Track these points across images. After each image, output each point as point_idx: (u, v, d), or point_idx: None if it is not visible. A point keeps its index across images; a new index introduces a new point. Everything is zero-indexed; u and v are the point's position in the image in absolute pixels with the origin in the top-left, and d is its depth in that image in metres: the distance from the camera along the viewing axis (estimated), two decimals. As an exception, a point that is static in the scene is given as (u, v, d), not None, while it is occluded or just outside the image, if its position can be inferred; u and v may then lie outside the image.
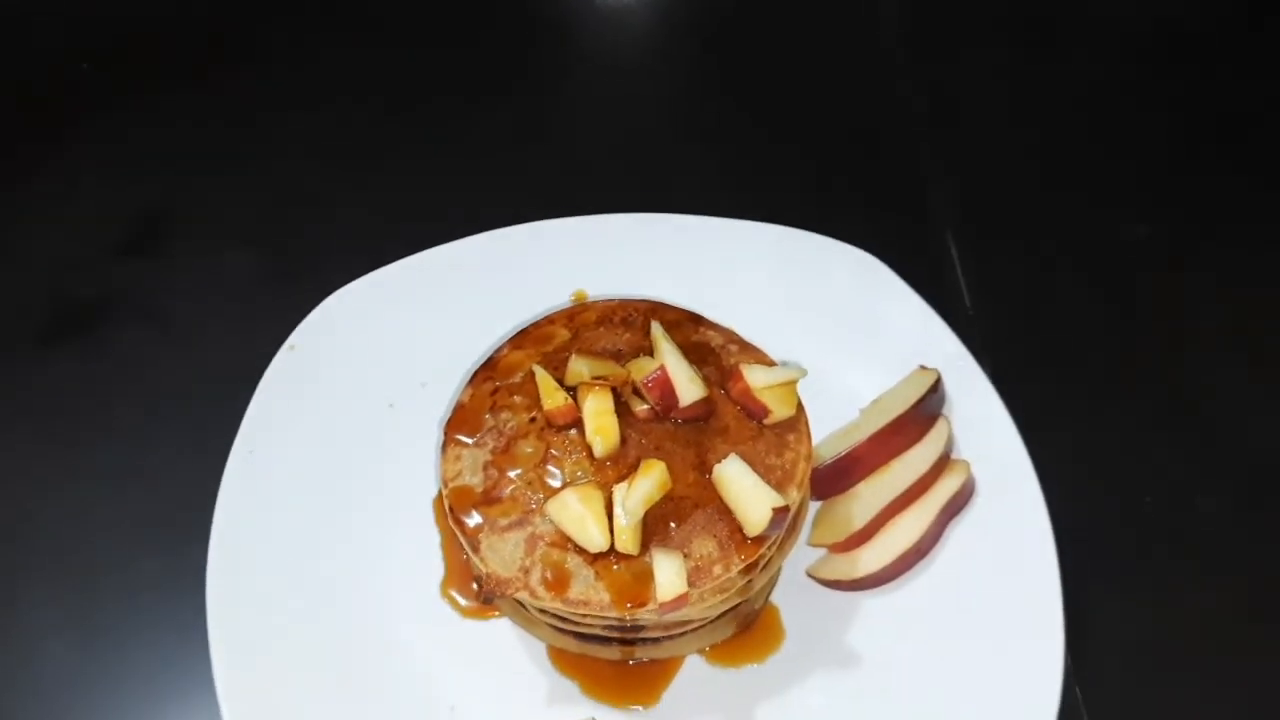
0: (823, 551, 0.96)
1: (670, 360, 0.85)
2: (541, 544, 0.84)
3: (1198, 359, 1.13)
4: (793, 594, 0.94)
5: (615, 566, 0.82)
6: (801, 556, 0.95)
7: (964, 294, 1.16)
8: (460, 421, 0.91)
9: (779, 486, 0.84)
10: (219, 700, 0.86)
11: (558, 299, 1.08)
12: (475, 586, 0.94)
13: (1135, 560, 0.99)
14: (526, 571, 0.83)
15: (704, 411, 0.87)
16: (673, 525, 0.83)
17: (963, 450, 0.98)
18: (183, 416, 1.07)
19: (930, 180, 1.26)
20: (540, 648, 0.92)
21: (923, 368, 1.02)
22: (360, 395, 1.04)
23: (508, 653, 0.92)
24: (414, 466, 1.00)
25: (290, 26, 1.41)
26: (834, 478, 0.97)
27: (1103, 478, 1.03)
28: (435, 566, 0.96)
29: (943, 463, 0.97)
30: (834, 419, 1.01)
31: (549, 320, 0.97)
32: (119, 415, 1.08)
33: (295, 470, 0.98)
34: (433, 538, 0.98)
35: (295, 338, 1.05)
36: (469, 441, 0.90)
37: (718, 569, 0.82)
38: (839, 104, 1.34)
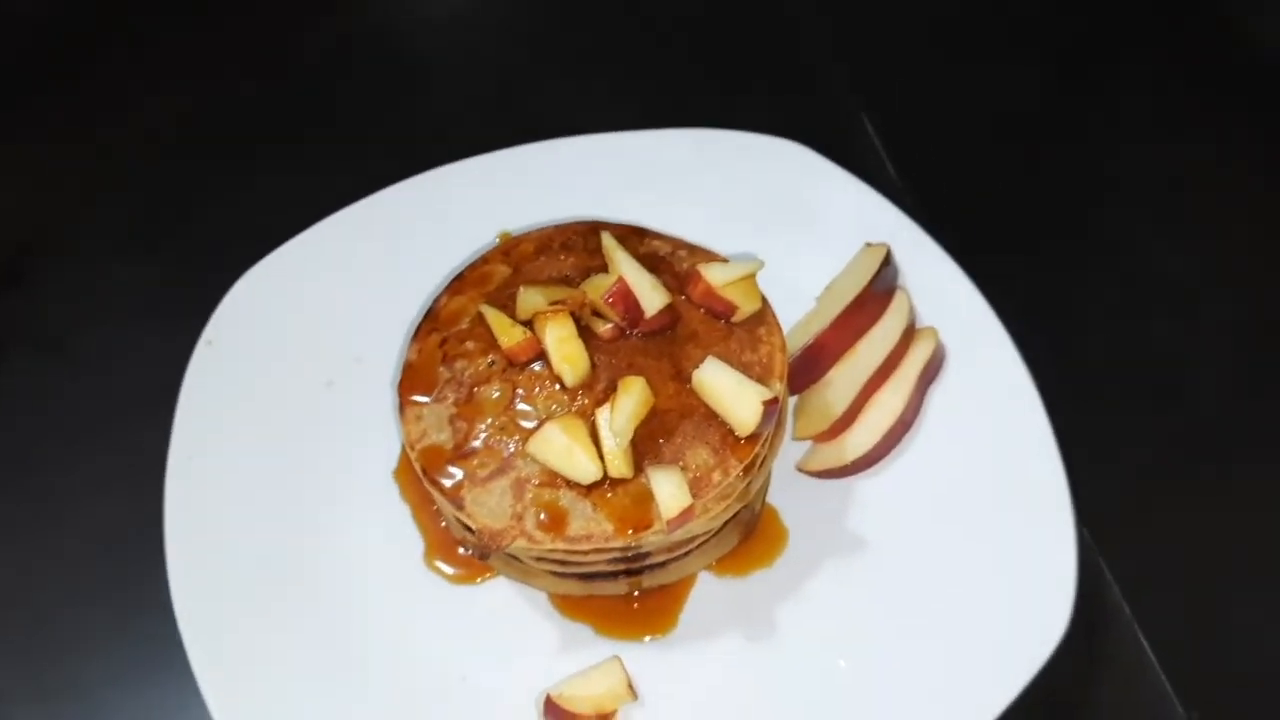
0: (807, 445, 0.94)
1: (628, 270, 0.81)
2: (530, 486, 0.79)
3: (1114, 193, 1.13)
4: (787, 492, 0.92)
5: (610, 494, 0.78)
6: (787, 454, 0.93)
7: (888, 168, 1.14)
8: (413, 381, 0.85)
9: (761, 381, 0.81)
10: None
11: (482, 243, 1.02)
12: (462, 550, 0.89)
13: (1106, 390, 1.00)
14: (519, 518, 0.78)
15: (669, 320, 0.83)
16: (661, 441, 0.80)
17: (926, 318, 0.96)
18: (105, 440, 0.98)
19: (829, 66, 1.23)
20: (542, 598, 0.88)
21: (869, 244, 0.99)
22: (294, 378, 0.96)
23: (510, 611, 0.87)
24: (367, 444, 0.94)
25: (123, 23, 1.29)
26: (805, 369, 0.94)
27: (1053, 317, 1.03)
28: (412, 540, 0.90)
29: (909, 333, 0.95)
30: (791, 312, 0.98)
31: (484, 260, 0.91)
32: (33, 452, 0.99)
33: (241, 469, 0.91)
34: (402, 511, 0.92)
35: (210, 331, 0.97)
36: (427, 400, 0.84)
37: (717, 475, 0.79)
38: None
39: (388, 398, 0.96)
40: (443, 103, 1.21)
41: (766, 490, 0.91)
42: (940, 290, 0.97)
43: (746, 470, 0.80)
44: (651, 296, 0.81)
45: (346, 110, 1.22)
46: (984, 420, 0.91)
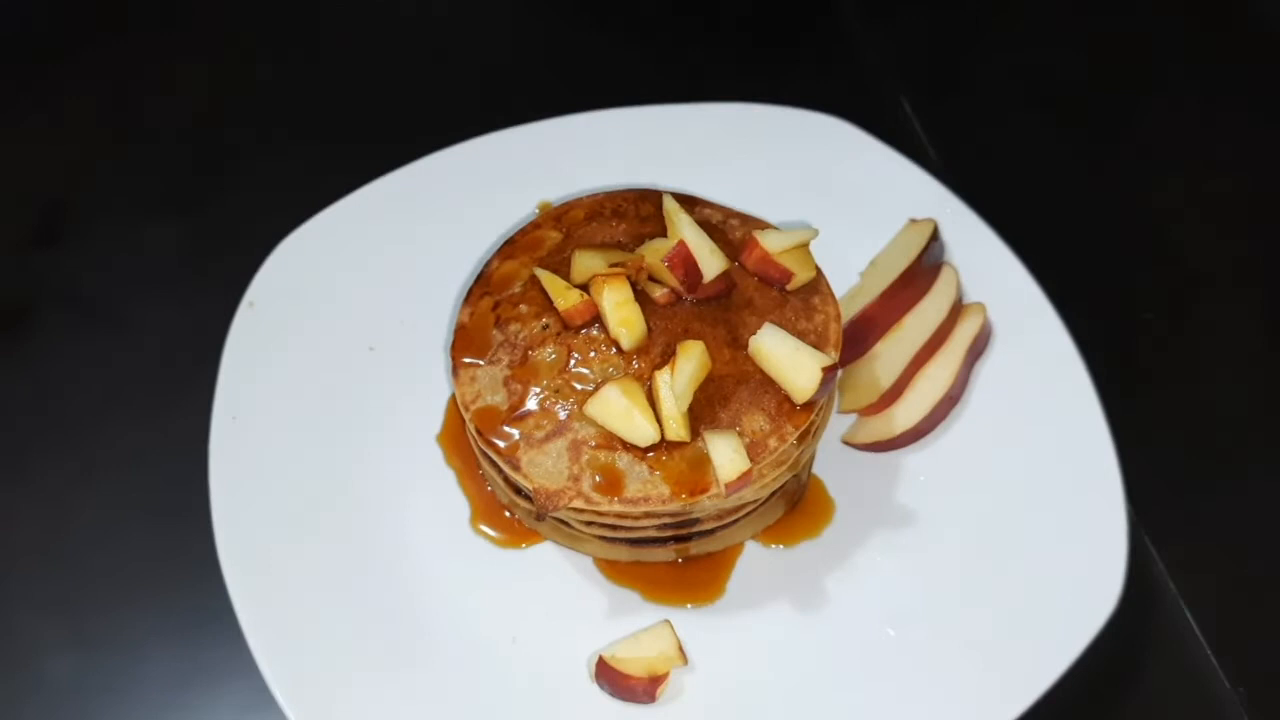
0: (852, 419, 0.94)
1: (689, 233, 0.81)
2: (586, 448, 0.79)
3: (1158, 178, 1.14)
4: (832, 465, 0.92)
5: (667, 457, 0.78)
6: (833, 428, 0.93)
7: (927, 147, 1.14)
8: (465, 344, 0.85)
9: (816, 349, 0.81)
10: (274, 692, 0.79)
11: (523, 212, 1.02)
12: (509, 514, 0.89)
13: (1151, 371, 1.00)
14: (576, 479, 0.78)
15: (725, 287, 0.83)
16: (717, 406, 0.80)
17: (973, 294, 0.96)
18: (147, 402, 0.98)
19: (870, 45, 1.23)
20: (588, 563, 0.87)
21: (914, 220, 0.99)
22: (336, 342, 0.96)
23: (557, 575, 0.87)
24: (411, 407, 0.94)
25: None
26: (851, 342, 0.94)
27: (1095, 297, 1.03)
28: (459, 505, 0.90)
29: (957, 309, 0.95)
30: (835, 286, 0.97)
31: (535, 225, 0.91)
32: (71, 411, 0.98)
33: (285, 432, 0.91)
34: (447, 475, 0.91)
35: (253, 293, 0.96)
36: (480, 362, 0.84)
37: (773, 441, 0.79)
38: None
39: (430, 362, 0.96)
40: (487, 72, 1.20)
41: (812, 462, 0.91)
42: (987, 267, 0.97)
43: (802, 437, 0.80)
44: (711, 261, 0.81)
45: (392, 76, 1.21)
46: (1032, 396, 0.91)
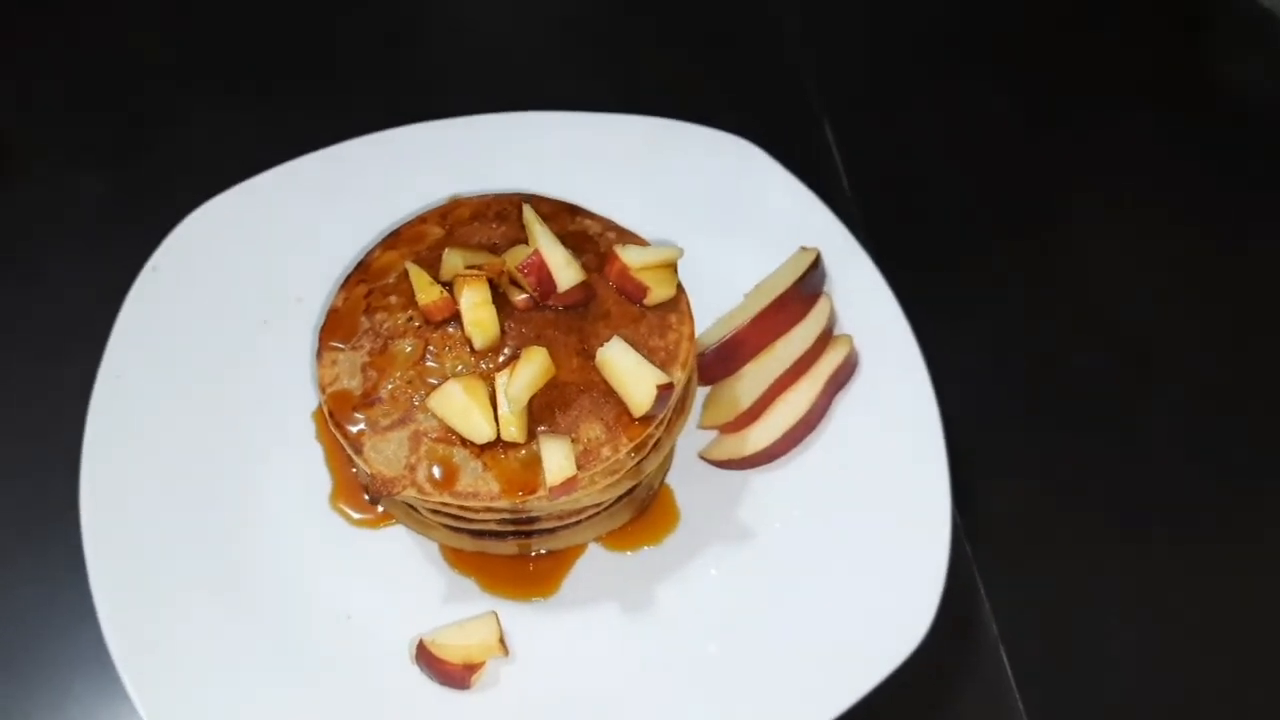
0: (714, 435, 0.97)
1: (544, 243, 0.84)
2: (426, 440, 0.82)
3: (1068, 229, 1.16)
4: (687, 477, 0.95)
5: (502, 456, 0.81)
6: (695, 441, 0.96)
7: (842, 178, 1.16)
8: (334, 327, 0.88)
9: (663, 366, 0.84)
10: (106, 638, 0.82)
11: (433, 205, 1.05)
12: (367, 497, 0.92)
13: (1016, 423, 1.02)
14: (412, 469, 0.81)
15: (583, 297, 0.86)
16: (558, 412, 0.83)
17: (845, 325, 0.99)
18: (41, 348, 1.02)
19: (803, 69, 1.25)
20: (435, 550, 0.91)
21: (803, 248, 1.02)
22: (232, 313, 1.00)
23: (403, 558, 0.90)
24: (293, 382, 0.98)
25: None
26: (721, 361, 0.97)
27: (980, 345, 1.06)
28: (322, 481, 0.94)
29: (826, 338, 0.97)
30: (720, 305, 1.01)
31: (421, 220, 0.94)
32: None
33: (168, 392, 0.95)
34: (316, 452, 0.95)
35: (158, 258, 1.00)
36: (344, 346, 0.87)
37: (606, 451, 0.82)
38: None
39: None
40: (418, 66, 1.24)
41: (666, 471, 0.94)
42: (863, 300, 0.99)
43: (637, 449, 0.83)
44: (565, 272, 0.84)
45: (331, 58, 1.25)
46: (883, 431, 0.93)
